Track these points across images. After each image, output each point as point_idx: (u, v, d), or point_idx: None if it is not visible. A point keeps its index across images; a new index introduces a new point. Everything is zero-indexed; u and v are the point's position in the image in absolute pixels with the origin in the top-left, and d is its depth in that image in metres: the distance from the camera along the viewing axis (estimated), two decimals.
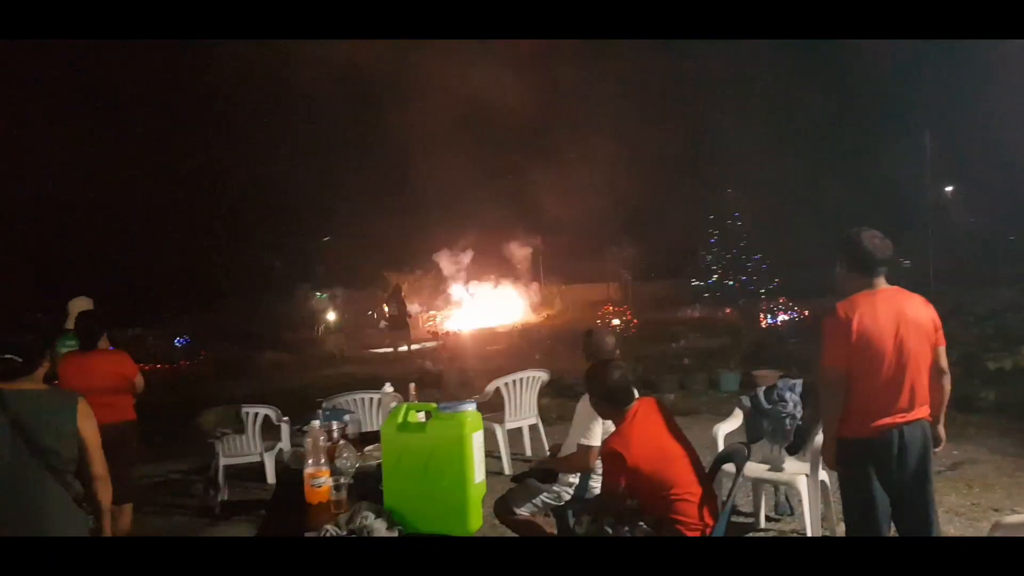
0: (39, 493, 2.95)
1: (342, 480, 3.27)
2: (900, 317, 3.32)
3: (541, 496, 4.15)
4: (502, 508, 4.16)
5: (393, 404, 4.19)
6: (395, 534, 2.80)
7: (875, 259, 3.38)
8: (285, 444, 6.72)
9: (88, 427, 3.10)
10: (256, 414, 6.51)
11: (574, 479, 4.14)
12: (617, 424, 3.47)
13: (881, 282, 3.41)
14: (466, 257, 22.68)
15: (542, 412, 7.43)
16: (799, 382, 4.95)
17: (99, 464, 3.16)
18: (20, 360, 3.11)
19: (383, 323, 17.06)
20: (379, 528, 2.79)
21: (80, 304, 6.29)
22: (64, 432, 3.04)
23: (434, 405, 2.98)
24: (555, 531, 4.30)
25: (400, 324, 16.08)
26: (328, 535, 2.78)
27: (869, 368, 3.30)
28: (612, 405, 3.47)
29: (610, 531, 3.34)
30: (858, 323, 3.28)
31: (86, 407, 3.13)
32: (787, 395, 4.86)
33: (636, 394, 3.55)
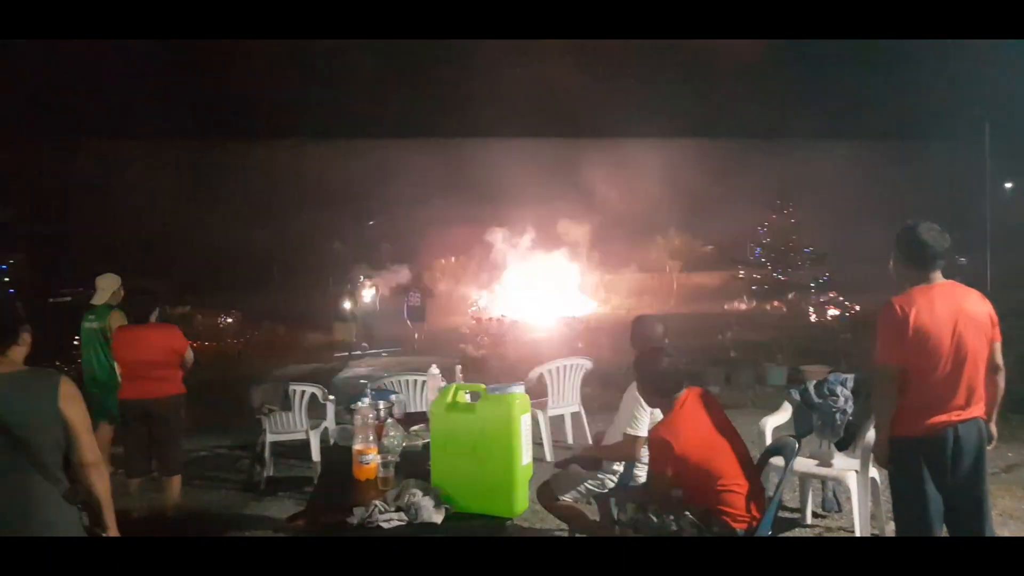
0: (22, 493, 2.51)
1: (389, 458, 3.31)
2: (958, 312, 3.23)
3: (585, 483, 4.14)
4: (546, 493, 4.16)
5: (441, 385, 4.22)
6: (443, 513, 2.82)
7: (933, 252, 3.29)
8: (330, 423, 6.82)
9: (73, 409, 2.65)
10: (303, 392, 6.61)
11: (618, 467, 4.13)
12: (665, 413, 3.45)
13: (938, 276, 3.32)
14: (512, 242, 22.67)
15: (584, 400, 7.41)
16: (851, 376, 4.85)
17: (89, 450, 2.69)
18: None
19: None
20: (427, 505, 2.83)
21: (108, 280, 6.44)
22: (46, 419, 2.58)
23: (482, 386, 2.99)
24: (597, 518, 4.30)
25: (419, 316, 15.79)
26: (377, 511, 2.82)
27: (926, 364, 3.22)
28: (661, 393, 3.44)
29: (655, 520, 3.32)
30: (915, 318, 3.20)
31: (70, 387, 2.67)
32: (838, 389, 4.76)
33: (685, 383, 3.51)
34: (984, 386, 3.31)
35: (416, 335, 15.82)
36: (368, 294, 16.85)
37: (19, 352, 2.71)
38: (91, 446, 2.69)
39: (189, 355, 5.52)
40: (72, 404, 2.64)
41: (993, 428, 3.45)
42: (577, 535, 4.34)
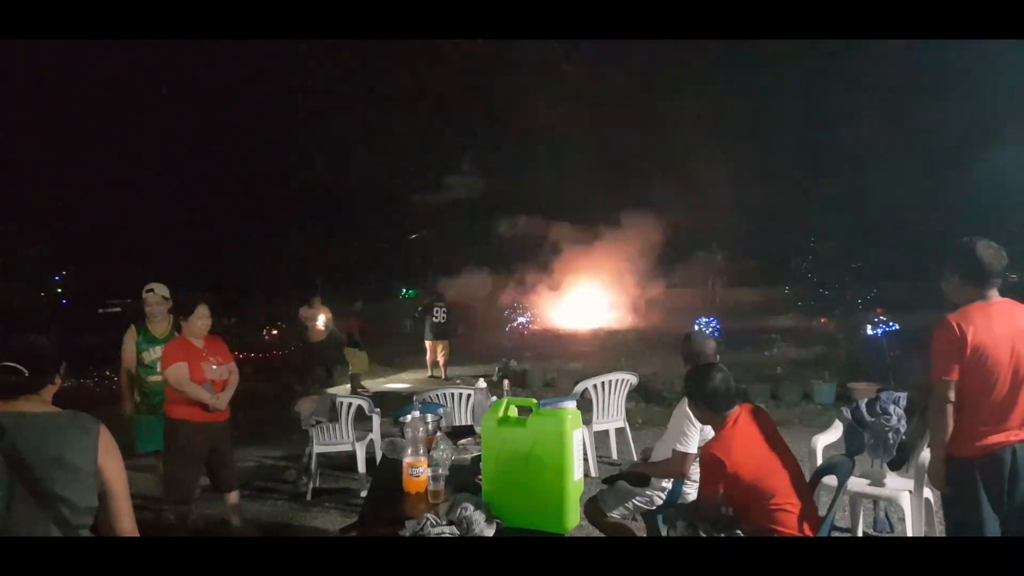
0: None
1: (440, 471, 3.34)
2: (1016, 331, 3.18)
3: (633, 499, 4.12)
4: (593, 509, 4.15)
5: (492, 399, 4.25)
6: (494, 527, 2.84)
7: (990, 270, 3.25)
8: (376, 435, 6.89)
9: (112, 465, 2.30)
10: (350, 404, 6.69)
11: (667, 484, 4.10)
12: (717, 430, 3.42)
13: (995, 294, 3.28)
14: (556, 257, 22.67)
15: (628, 416, 7.37)
16: (904, 395, 4.76)
17: (127, 517, 2.34)
18: (25, 372, 2.31)
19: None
20: (478, 520, 2.84)
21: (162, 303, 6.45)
22: (80, 471, 2.22)
23: (534, 401, 3.01)
24: (644, 535, 4.27)
25: (442, 334, 14.05)
26: (429, 524, 2.85)
27: (983, 384, 3.16)
28: (713, 410, 3.42)
29: (705, 538, 3.30)
30: (973, 336, 3.15)
31: (108, 438, 2.33)
32: (891, 408, 4.68)
33: (738, 400, 3.49)
34: None
35: (439, 359, 14.25)
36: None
37: (51, 392, 2.41)
38: (129, 512, 2.35)
39: (235, 376, 5.32)
40: (112, 460, 2.31)
41: None
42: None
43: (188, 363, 4.93)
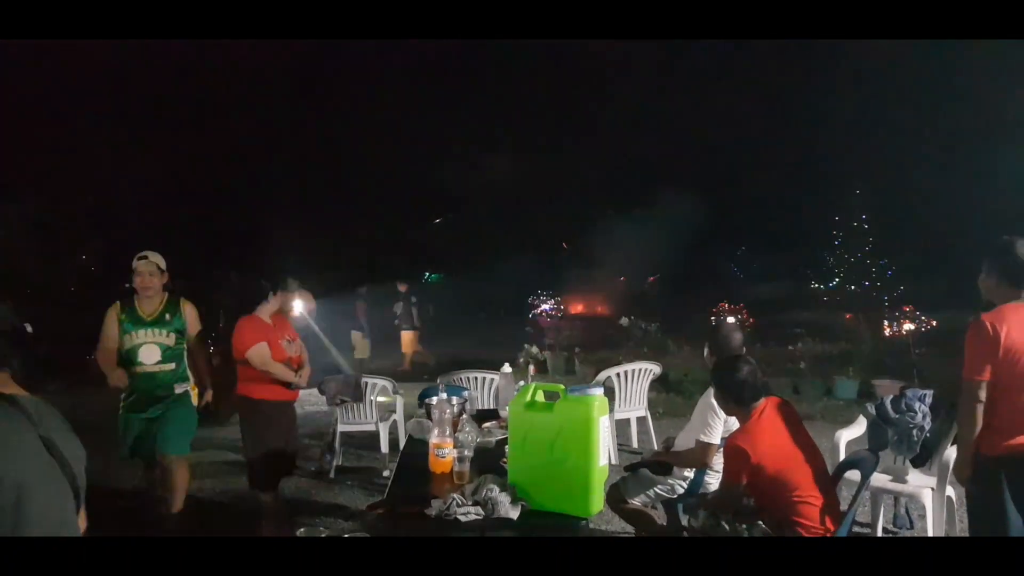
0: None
1: (465, 453, 3.39)
2: None
3: (655, 488, 4.16)
4: (615, 496, 4.19)
5: (519, 384, 4.29)
6: (519, 509, 2.89)
7: None
8: (399, 415, 6.98)
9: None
10: (374, 384, 6.78)
11: (688, 473, 4.13)
12: (742, 421, 3.44)
13: None
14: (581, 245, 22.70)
15: (649, 406, 7.40)
16: (929, 393, 4.74)
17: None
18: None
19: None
20: (503, 501, 2.89)
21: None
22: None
23: (561, 387, 3.05)
24: (664, 523, 4.31)
25: (411, 323, 13.56)
26: (455, 503, 2.90)
27: (1016, 384, 3.16)
28: (739, 402, 3.44)
29: (727, 528, 3.33)
30: (1007, 336, 3.14)
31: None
32: (916, 405, 4.67)
33: (764, 393, 3.50)
34: None
35: (406, 350, 13.73)
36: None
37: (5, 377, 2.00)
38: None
39: (303, 346, 5.18)
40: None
41: None
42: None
43: (267, 342, 4.76)
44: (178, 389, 4.82)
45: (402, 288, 14.01)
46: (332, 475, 6.65)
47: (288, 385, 4.87)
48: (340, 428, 6.80)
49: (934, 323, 13.73)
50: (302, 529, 2.51)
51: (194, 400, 4.96)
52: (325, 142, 27.47)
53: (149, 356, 4.72)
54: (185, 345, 4.90)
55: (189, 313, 4.92)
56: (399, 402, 6.98)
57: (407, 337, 13.84)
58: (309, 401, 9.17)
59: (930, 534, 4.46)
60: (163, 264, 4.80)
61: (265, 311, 4.92)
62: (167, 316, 4.80)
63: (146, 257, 4.76)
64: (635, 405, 7.20)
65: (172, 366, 4.80)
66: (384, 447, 6.80)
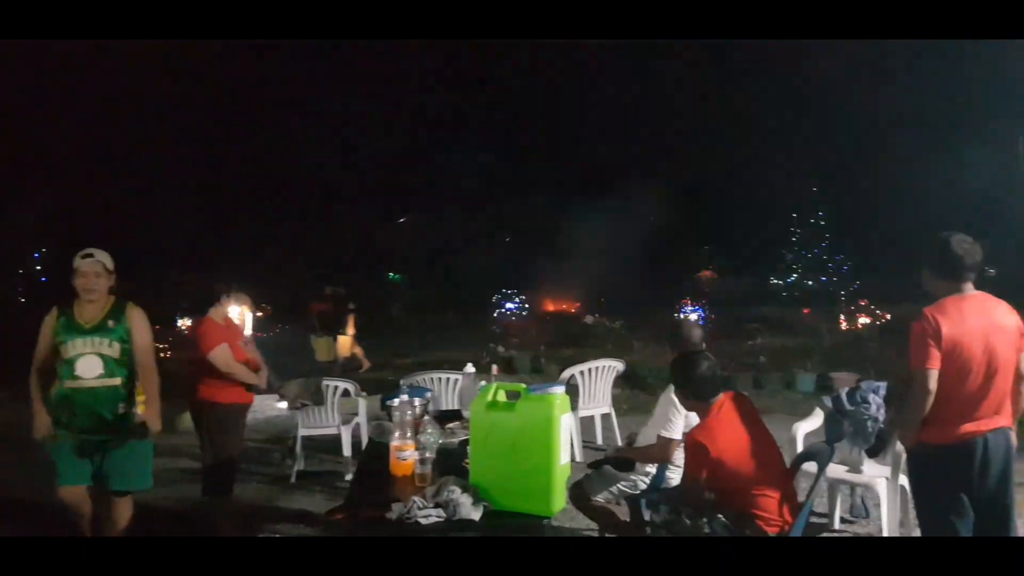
0: None
1: (427, 454, 3.37)
2: (989, 323, 3.27)
3: (618, 484, 4.18)
4: (579, 494, 4.20)
5: (481, 384, 4.28)
6: (481, 510, 2.88)
7: (965, 264, 3.31)
8: (362, 418, 6.92)
9: None
10: (336, 387, 6.71)
11: (650, 469, 4.16)
12: (702, 416, 3.48)
13: (969, 287, 3.35)
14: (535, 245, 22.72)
15: (614, 402, 7.44)
16: (883, 385, 4.84)
17: None
18: None
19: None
20: (465, 502, 2.88)
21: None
22: None
23: (523, 386, 3.05)
24: (627, 519, 4.33)
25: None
26: (416, 506, 2.88)
27: (957, 375, 3.24)
28: (698, 397, 3.47)
29: (688, 522, 3.35)
30: (948, 329, 3.22)
31: None
32: (871, 397, 4.76)
33: (723, 387, 3.54)
34: (1012, 396, 3.33)
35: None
36: None
37: None
38: None
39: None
40: None
41: (1014, 437, 3.45)
42: (607, 535, 4.38)
43: (228, 344, 4.67)
44: (121, 409, 4.07)
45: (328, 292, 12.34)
46: (293, 480, 6.56)
47: (249, 387, 4.81)
48: (301, 432, 6.70)
49: (888, 316, 14.03)
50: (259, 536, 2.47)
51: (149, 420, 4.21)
52: (282, 142, 27.17)
53: (89, 369, 3.97)
54: (132, 356, 4.12)
55: (137, 320, 4.15)
56: (362, 405, 6.92)
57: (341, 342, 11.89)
58: (269, 406, 9.07)
59: (884, 523, 4.55)
60: (110, 264, 4.11)
61: (218, 314, 4.86)
62: (110, 323, 4.05)
63: (91, 255, 4.06)
64: (599, 402, 7.24)
65: (117, 381, 4.04)
66: (346, 450, 6.72)
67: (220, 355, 4.63)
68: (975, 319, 3.25)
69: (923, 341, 3.27)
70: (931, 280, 3.43)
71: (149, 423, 4.14)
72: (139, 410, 4.16)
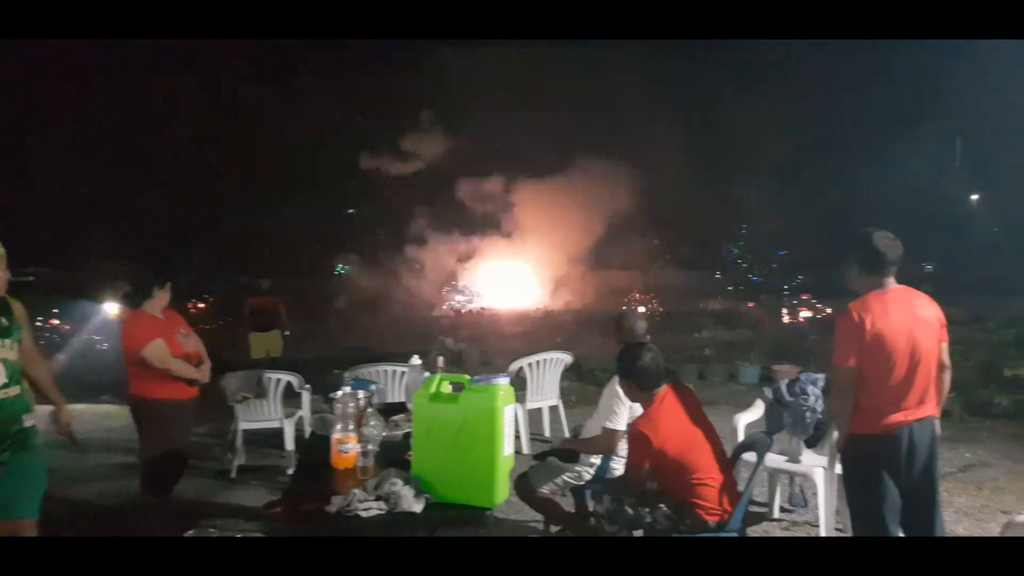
0: None
1: (369, 447, 3.32)
2: (912, 317, 3.36)
3: (562, 475, 4.19)
4: (523, 485, 4.20)
5: (425, 376, 4.24)
6: (423, 502, 2.85)
7: (887, 260, 3.40)
8: (305, 412, 6.81)
9: None
10: (278, 380, 6.58)
11: (595, 460, 4.18)
12: (645, 407, 3.51)
13: (891, 282, 3.43)
14: (485, 237, 22.65)
15: (562, 394, 7.47)
16: (821, 376, 4.95)
17: None
18: None
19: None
20: (407, 495, 2.85)
21: None
22: None
23: (467, 377, 3.02)
24: (573, 510, 4.35)
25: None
26: (356, 499, 2.84)
27: (882, 367, 3.32)
28: (641, 388, 3.50)
29: (630, 512, 3.38)
30: (871, 323, 3.30)
31: None
32: (809, 389, 4.86)
33: (665, 379, 3.57)
34: (935, 385, 3.43)
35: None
36: None
37: None
38: None
39: (198, 338, 4.95)
40: None
41: (938, 425, 3.56)
42: (552, 527, 4.39)
43: (164, 338, 4.51)
44: (27, 422, 3.42)
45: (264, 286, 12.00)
46: (234, 475, 6.43)
47: (191, 382, 4.65)
48: (242, 426, 6.56)
49: (828, 310, 14.38)
50: (191, 531, 2.39)
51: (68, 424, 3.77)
52: (222, 128, 26.59)
53: None
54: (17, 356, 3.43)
55: (22, 314, 3.53)
56: (305, 397, 6.81)
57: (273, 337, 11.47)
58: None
59: (821, 511, 4.65)
60: (2, 252, 3.41)
61: (154, 306, 4.70)
62: (4, 321, 3.39)
63: None
64: (547, 394, 7.26)
65: (17, 390, 3.39)
66: (289, 444, 6.60)
67: (154, 351, 4.48)
68: (898, 313, 3.34)
69: (846, 337, 3.35)
70: (854, 276, 3.51)
71: (69, 426, 3.74)
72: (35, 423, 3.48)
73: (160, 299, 4.73)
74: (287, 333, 11.36)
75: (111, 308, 12.02)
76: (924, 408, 3.37)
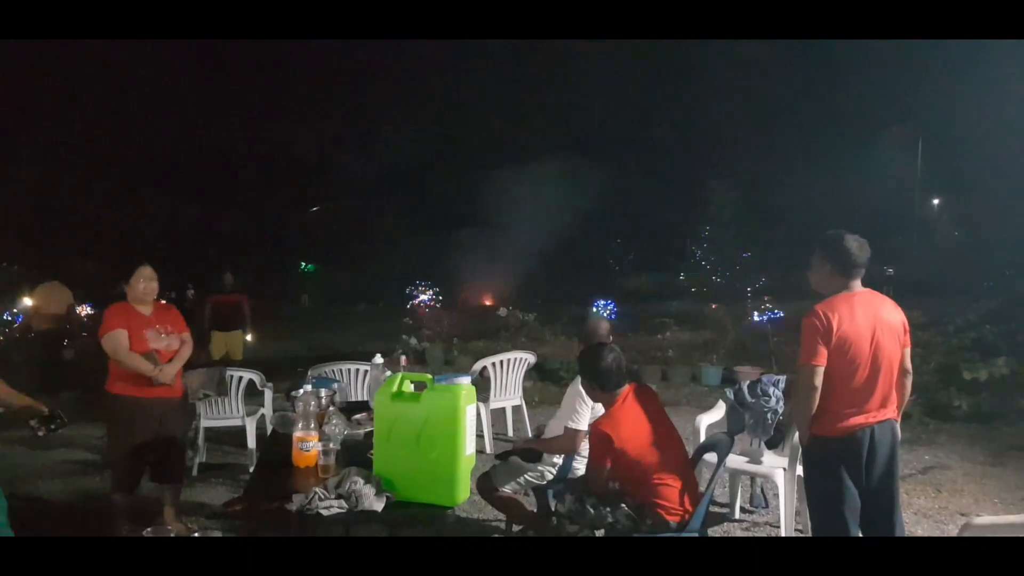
0: None
1: (331, 445, 3.30)
2: (876, 320, 3.40)
3: (524, 475, 4.19)
4: (485, 485, 4.20)
5: (387, 374, 4.22)
6: (384, 501, 2.83)
7: (855, 262, 3.44)
8: (267, 409, 6.74)
9: None
10: (240, 378, 6.50)
11: (557, 460, 4.19)
12: (607, 407, 3.52)
13: (857, 285, 3.48)
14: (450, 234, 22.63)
15: (525, 394, 7.48)
16: (783, 378, 5.02)
17: None
18: None
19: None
20: (368, 493, 2.83)
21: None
22: None
23: (429, 376, 3.01)
24: (535, 510, 4.36)
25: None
26: (317, 497, 2.81)
27: (846, 369, 3.37)
28: (604, 388, 3.52)
29: (592, 511, 3.40)
30: (838, 325, 3.34)
31: None
32: (770, 390, 4.92)
33: (627, 379, 3.59)
34: (896, 389, 3.49)
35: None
36: None
37: None
38: None
39: (188, 340, 4.78)
40: None
41: (898, 428, 3.63)
42: (514, 526, 4.40)
43: (128, 330, 4.38)
44: None
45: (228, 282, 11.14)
46: (195, 472, 6.33)
47: (150, 381, 4.44)
48: (203, 423, 6.48)
49: (789, 312, 14.56)
50: (149, 529, 2.35)
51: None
52: (188, 122, 26.21)
53: None
54: None
55: None
56: (268, 395, 6.74)
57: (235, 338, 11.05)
58: None
59: (782, 512, 4.72)
60: None
61: (136, 297, 4.56)
62: None
63: None
64: (511, 394, 7.27)
65: None
66: (251, 442, 6.52)
67: (110, 340, 4.35)
68: (863, 316, 3.39)
69: (812, 337, 3.39)
70: (823, 276, 3.55)
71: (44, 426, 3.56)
72: None
73: (137, 289, 4.55)
74: (248, 338, 11.04)
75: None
76: (885, 411, 3.42)
